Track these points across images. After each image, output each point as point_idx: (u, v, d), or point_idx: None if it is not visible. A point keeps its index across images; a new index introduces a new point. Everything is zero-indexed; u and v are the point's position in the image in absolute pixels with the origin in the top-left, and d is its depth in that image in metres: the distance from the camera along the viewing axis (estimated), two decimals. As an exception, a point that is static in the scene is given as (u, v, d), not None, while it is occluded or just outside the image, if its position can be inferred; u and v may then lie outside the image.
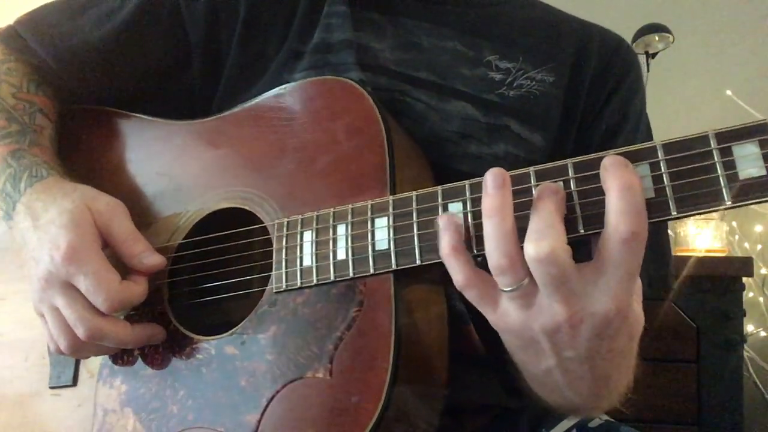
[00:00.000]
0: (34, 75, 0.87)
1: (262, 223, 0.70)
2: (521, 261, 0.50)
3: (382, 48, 0.81)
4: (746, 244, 2.20)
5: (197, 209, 0.76)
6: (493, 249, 0.51)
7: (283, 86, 0.74)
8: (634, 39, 2.01)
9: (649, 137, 0.87)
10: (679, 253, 1.95)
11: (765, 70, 2.23)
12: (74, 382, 0.77)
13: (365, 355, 0.59)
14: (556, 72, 0.82)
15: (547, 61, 0.83)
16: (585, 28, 0.88)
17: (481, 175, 0.55)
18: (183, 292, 0.76)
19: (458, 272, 0.54)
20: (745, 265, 1.76)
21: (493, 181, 0.52)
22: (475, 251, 0.55)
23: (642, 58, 2.02)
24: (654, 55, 2.05)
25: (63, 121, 0.89)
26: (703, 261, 1.77)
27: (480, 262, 0.55)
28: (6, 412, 0.81)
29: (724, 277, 1.75)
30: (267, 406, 0.62)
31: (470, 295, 0.55)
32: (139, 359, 0.73)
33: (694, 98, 2.27)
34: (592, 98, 0.84)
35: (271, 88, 0.75)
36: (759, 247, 2.19)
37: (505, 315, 0.54)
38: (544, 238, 0.49)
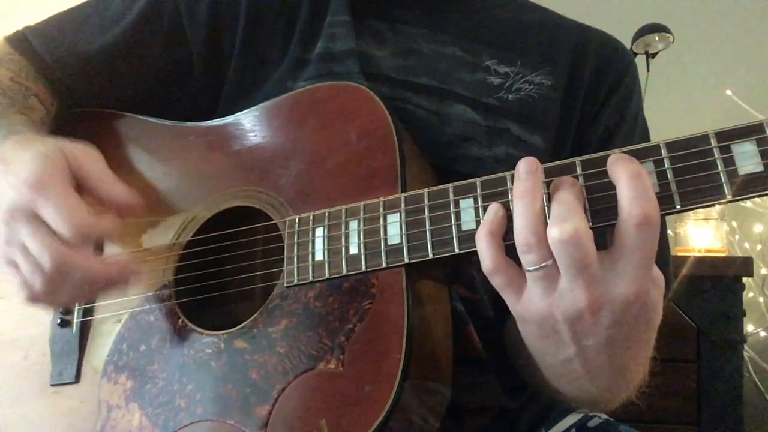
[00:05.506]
0: (37, 73, 0.87)
1: (272, 220, 0.70)
2: (546, 241, 0.52)
3: (383, 56, 0.82)
4: (746, 244, 2.19)
5: (205, 208, 0.76)
6: (523, 227, 0.53)
7: (294, 90, 0.75)
8: (634, 39, 2.00)
9: (646, 138, 0.88)
10: (679, 253, 1.95)
11: (765, 70, 2.24)
12: (77, 379, 0.77)
13: (378, 345, 0.60)
14: (553, 74, 0.83)
15: (544, 64, 0.84)
16: (582, 31, 0.89)
17: (482, 176, 0.58)
18: (190, 289, 0.76)
19: (488, 257, 0.55)
20: (745, 265, 1.76)
21: (527, 168, 0.54)
22: None
23: (642, 58, 2.01)
24: (654, 55, 2.04)
25: (69, 124, 0.89)
26: (703, 261, 1.76)
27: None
28: (6, 410, 0.80)
29: (724, 277, 1.74)
30: (278, 397, 0.63)
31: (497, 281, 0.56)
32: (146, 356, 0.72)
33: (694, 98, 2.27)
34: (590, 100, 0.85)
35: (276, 95, 0.76)
36: (759, 247, 2.18)
37: (528, 302, 0.55)
38: (567, 221, 0.50)
